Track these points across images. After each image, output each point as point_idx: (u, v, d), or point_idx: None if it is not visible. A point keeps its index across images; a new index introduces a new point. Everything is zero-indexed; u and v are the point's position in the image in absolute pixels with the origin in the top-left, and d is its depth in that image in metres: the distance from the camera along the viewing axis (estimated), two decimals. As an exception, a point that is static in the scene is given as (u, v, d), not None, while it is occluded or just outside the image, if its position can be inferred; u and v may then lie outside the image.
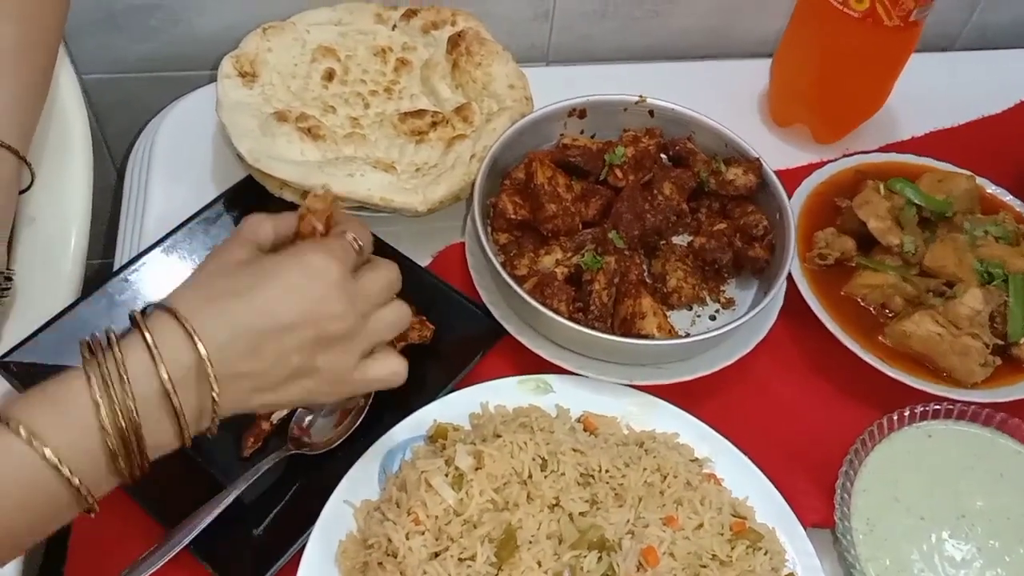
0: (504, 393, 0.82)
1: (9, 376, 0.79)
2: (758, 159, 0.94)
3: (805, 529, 0.77)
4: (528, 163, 0.91)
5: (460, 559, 0.68)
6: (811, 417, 0.88)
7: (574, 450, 0.75)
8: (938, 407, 0.84)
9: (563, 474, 0.73)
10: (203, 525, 0.70)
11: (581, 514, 0.72)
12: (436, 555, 0.68)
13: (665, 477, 0.76)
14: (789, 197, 0.92)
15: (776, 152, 1.06)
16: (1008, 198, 1.01)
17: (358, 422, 0.80)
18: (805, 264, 0.93)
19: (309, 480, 0.78)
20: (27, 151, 0.80)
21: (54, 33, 0.85)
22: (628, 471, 0.75)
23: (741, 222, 0.92)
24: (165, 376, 0.53)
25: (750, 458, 0.81)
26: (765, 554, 0.74)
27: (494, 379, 0.83)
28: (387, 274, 0.65)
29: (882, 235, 0.92)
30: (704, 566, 0.71)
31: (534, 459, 0.74)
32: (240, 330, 0.56)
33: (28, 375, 0.79)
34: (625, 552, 0.69)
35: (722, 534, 0.74)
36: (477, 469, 0.72)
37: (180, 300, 0.56)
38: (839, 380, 0.89)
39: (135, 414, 0.52)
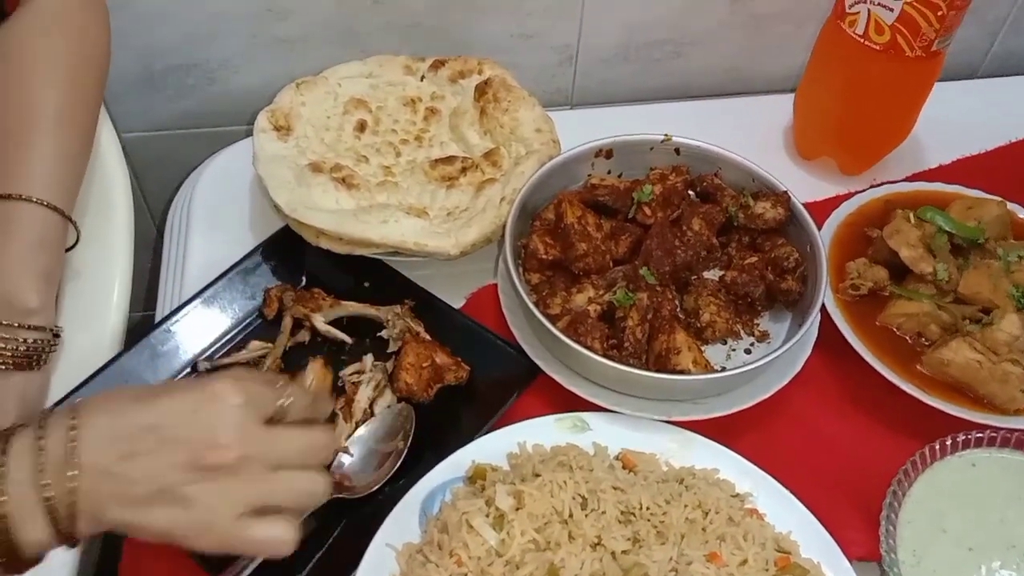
0: (541, 432, 0.82)
1: None
2: (786, 192, 0.94)
3: (851, 563, 0.76)
4: (558, 203, 0.93)
5: (504, 600, 0.68)
6: (851, 449, 0.87)
7: (614, 488, 0.75)
8: (980, 435, 0.83)
9: (604, 512, 0.73)
10: (247, 572, 0.70)
11: (624, 552, 0.71)
12: (479, 596, 0.68)
13: (707, 513, 0.76)
14: (819, 229, 0.93)
15: (803, 185, 1.07)
16: (1042, 221, 1.01)
17: (397, 465, 0.80)
18: (838, 295, 0.92)
19: (350, 524, 0.78)
20: (72, 210, 0.83)
21: (95, 97, 0.89)
22: (669, 508, 0.75)
23: (772, 255, 0.93)
24: (39, 462, 0.53)
25: (792, 492, 0.80)
26: (811, 589, 0.73)
27: (531, 418, 0.83)
28: (313, 438, 0.61)
29: (914, 263, 0.91)
30: (750, 603, 0.71)
31: (574, 498, 0.74)
32: (120, 427, 0.56)
33: None
34: (669, 590, 0.68)
35: (767, 570, 0.73)
36: (518, 509, 0.72)
37: (85, 401, 0.57)
38: (878, 411, 0.89)
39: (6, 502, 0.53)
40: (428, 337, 0.88)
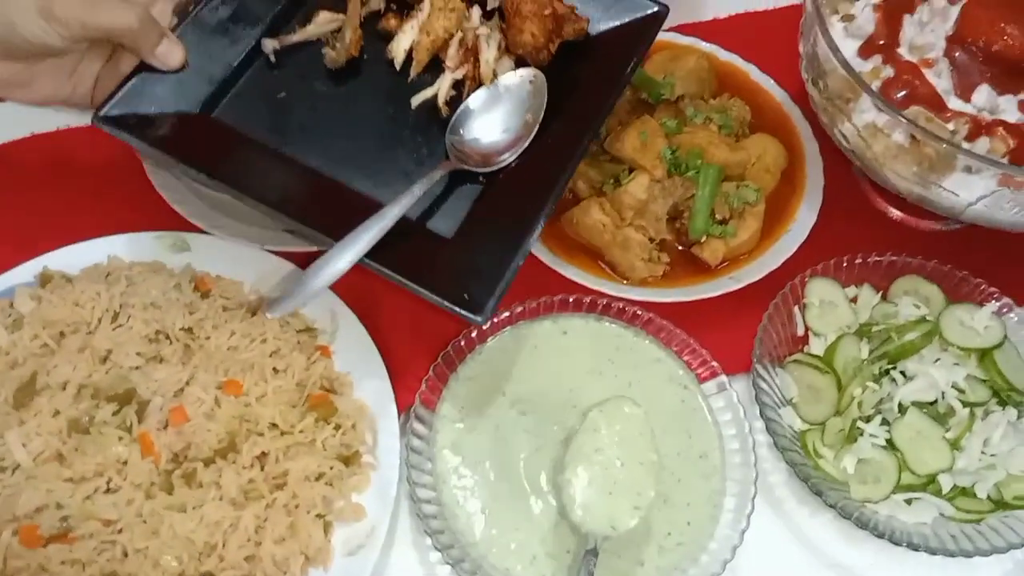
0: (138, 247, 0.80)
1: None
2: None
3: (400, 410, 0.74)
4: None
5: (-13, 399, 0.68)
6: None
7: (154, 305, 0.73)
8: (570, 299, 0.78)
9: (131, 328, 0.72)
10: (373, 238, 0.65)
11: (135, 368, 0.70)
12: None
13: (252, 341, 0.74)
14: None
15: None
16: (770, 84, 0.91)
17: (527, 143, 0.73)
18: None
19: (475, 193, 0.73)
20: None
21: None
22: (215, 333, 0.73)
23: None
24: None
25: (369, 333, 0.77)
26: (336, 428, 0.71)
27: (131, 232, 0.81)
28: None
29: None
30: (260, 434, 0.70)
31: (107, 310, 0.72)
32: None
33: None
34: (151, 409, 0.68)
35: (295, 405, 0.72)
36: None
37: None
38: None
39: None
40: None
